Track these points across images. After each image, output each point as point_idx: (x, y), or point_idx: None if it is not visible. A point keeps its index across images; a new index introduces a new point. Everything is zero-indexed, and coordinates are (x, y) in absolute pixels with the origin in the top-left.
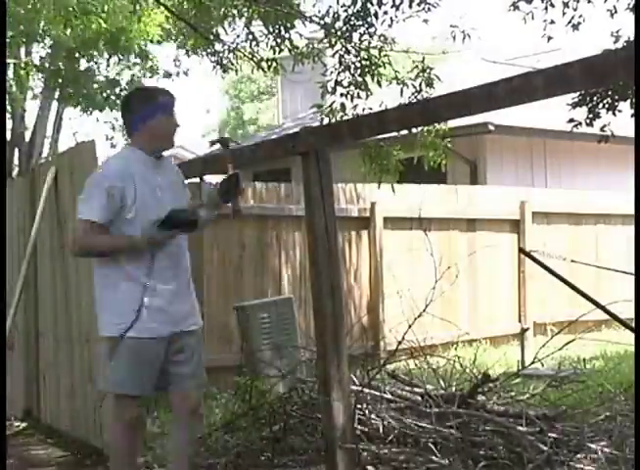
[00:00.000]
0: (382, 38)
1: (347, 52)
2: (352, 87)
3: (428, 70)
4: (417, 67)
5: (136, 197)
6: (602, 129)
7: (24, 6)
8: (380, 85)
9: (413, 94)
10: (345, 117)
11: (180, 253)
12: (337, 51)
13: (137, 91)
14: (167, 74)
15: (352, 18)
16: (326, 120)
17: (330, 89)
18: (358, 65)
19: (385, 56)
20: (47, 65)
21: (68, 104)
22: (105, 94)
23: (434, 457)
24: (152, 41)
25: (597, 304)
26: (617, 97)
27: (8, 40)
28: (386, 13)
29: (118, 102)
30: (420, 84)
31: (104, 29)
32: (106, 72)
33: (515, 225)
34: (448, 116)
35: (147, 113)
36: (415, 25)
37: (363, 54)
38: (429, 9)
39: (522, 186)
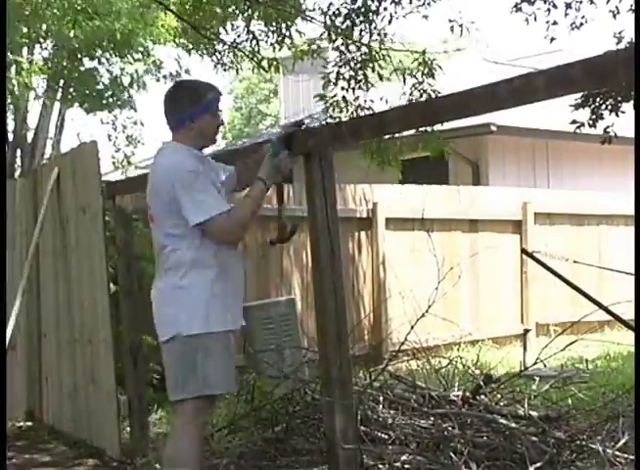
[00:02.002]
0: (382, 34)
1: (348, 49)
2: (353, 81)
3: (429, 62)
4: (417, 59)
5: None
6: (605, 130)
7: (29, 6)
8: (381, 78)
9: (414, 85)
10: (348, 109)
11: None
12: (337, 47)
13: (184, 87)
14: (170, 74)
15: (353, 14)
16: (329, 112)
17: (332, 80)
18: (359, 59)
19: (384, 50)
20: (50, 65)
21: (71, 104)
22: (108, 93)
23: (436, 458)
24: (157, 42)
25: (599, 304)
26: (619, 98)
27: (9, 41)
28: (385, 9)
29: (119, 102)
30: (421, 75)
31: (110, 31)
32: (109, 73)
33: (517, 226)
34: (450, 116)
35: (194, 112)
36: (422, 27)
37: (364, 49)
38: (429, 4)
39: (524, 187)
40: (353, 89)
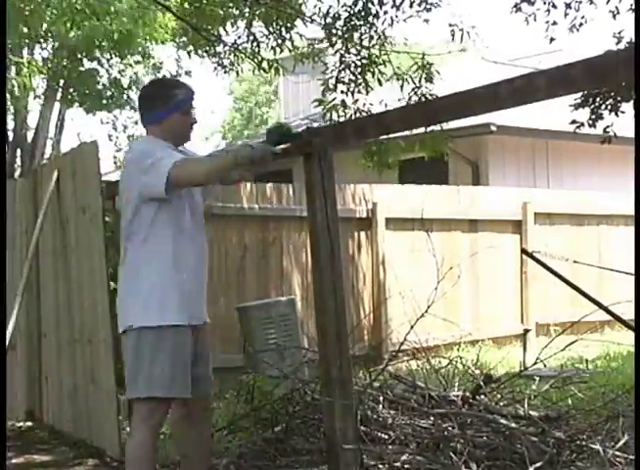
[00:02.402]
0: (382, 37)
1: (348, 51)
2: (353, 85)
3: (428, 66)
4: (416, 63)
5: None
6: (605, 130)
7: (29, 6)
8: (380, 83)
9: (413, 90)
10: (347, 113)
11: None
12: (337, 50)
13: (154, 86)
14: (170, 75)
15: (353, 18)
16: (327, 116)
17: (331, 86)
18: (359, 63)
19: (385, 54)
20: (49, 65)
21: (71, 104)
22: (108, 93)
23: (436, 458)
24: (157, 42)
25: (599, 304)
26: (619, 98)
27: (9, 41)
28: (386, 13)
29: (120, 102)
30: (419, 80)
31: (109, 31)
32: (107, 74)
33: (517, 226)
34: (451, 116)
35: (164, 111)
36: (423, 29)
37: (364, 53)
38: (429, 9)
39: (524, 187)
40: (352, 93)
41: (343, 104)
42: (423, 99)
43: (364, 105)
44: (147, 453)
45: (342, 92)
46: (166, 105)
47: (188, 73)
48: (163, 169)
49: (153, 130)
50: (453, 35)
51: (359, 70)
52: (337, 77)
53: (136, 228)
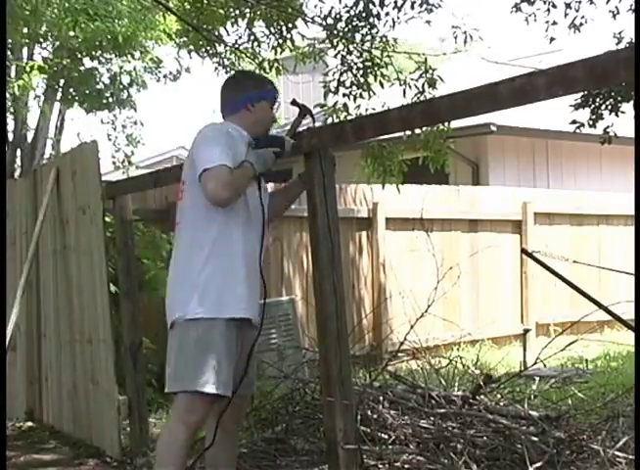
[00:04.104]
0: (384, 39)
1: (349, 53)
2: (355, 87)
3: (431, 71)
4: (420, 68)
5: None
6: (605, 130)
7: (29, 6)
8: (382, 86)
9: (416, 95)
10: (349, 117)
11: None
12: (339, 51)
13: (247, 73)
14: (170, 73)
15: (354, 19)
16: (329, 120)
17: (333, 89)
18: (360, 65)
19: (387, 56)
20: (50, 65)
21: (71, 104)
22: (108, 93)
23: (436, 458)
24: (157, 43)
25: (599, 304)
26: (619, 98)
27: (10, 41)
28: (387, 14)
29: (119, 101)
30: (422, 85)
31: (112, 33)
32: (108, 73)
33: (517, 226)
34: (451, 116)
35: (256, 95)
36: (423, 28)
37: (365, 55)
38: (430, 10)
39: (524, 187)
40: (355, 97)
41: (345, 107)
42: None
43: (366, 110)
44: (178, 455)
45: (343, 95)
46: (260, 90)
47: (188, 71)
48: (207, 156)
49: (238, 117)
50: (456, 37)
51: (361, 72)
52: (338, 80)
53: (198, 215)
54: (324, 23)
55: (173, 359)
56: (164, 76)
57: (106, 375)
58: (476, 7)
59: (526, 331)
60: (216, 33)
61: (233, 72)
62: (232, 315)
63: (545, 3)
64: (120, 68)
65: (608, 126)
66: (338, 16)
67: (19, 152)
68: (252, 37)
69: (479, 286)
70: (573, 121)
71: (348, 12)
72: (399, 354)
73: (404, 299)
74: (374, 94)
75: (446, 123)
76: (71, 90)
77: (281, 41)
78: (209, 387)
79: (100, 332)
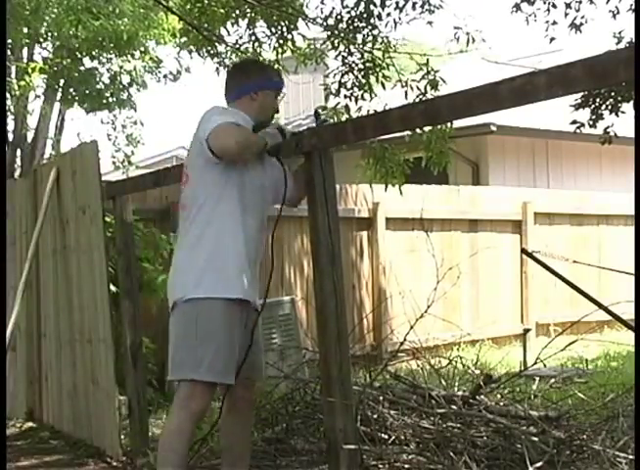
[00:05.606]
0: (385, 40)
1: (350, 54)
2: (356, 89)
3: (433, 73)
4: (421, 69)
5: None
6: (605, 130)
7: (29, 6)
8: (384, 87)
9: (418, 96)
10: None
11: None
12: (340, 52)
13: (254, 61)
14: (171, 73)
15: (356, 19)
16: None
17: (334, 91)
18: (362, 66)
19: (388, 58)
20: (50, 65)
21: (71, 104)
22: (108, 93)
23: (436, 458)
24: (159, 43)
25: (599, 304)
26: (619, 98)
27: (10, 41)
28: (389, 15)
29: (119, 97)
30: (425, 87)
31: (115, 32)
32: (108, 72)
33: (517, 226)
34: (451, 116)
35: (261, 83)
36: (425, 28)
37: (367, 56)
38: (432, 11)
39: (524, 187)
40: (356, 99)
41: (347, 109)
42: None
43: (368, 111)
44: (181, 442)
45: (345, 97)
46: (265, 78)
47: (188, 70)
48: (210, 125)
49: (242, 103)
50: (458, 38)
51: (362, 73)
52: (339, 81)
53: (202, 197)
54: (325, 23)
55: (174, 344)
56: (165, 76)
57: (106, 375)
58: (476, 7)
59: (526, 331)
60: (217, 33)
61: (241, 60)
62: (231, 296)
63: (545, 3)
64: (120, 67)
65: (608, 126)
66: (339, 16)
67: (19, 152)
68: (254, 37)
69: (478, 286)
70: (574, 121)
71: (349, 12)
72: (399, 355)
73: (404, 299)
74: (375, 95)
75: (448, 124)
76: (71, 90)
77: (282, 42)
78: (208, 375)
79: (100, 332)
